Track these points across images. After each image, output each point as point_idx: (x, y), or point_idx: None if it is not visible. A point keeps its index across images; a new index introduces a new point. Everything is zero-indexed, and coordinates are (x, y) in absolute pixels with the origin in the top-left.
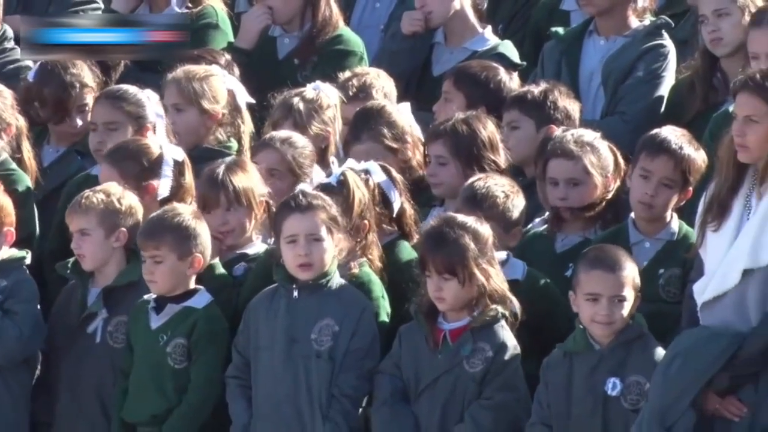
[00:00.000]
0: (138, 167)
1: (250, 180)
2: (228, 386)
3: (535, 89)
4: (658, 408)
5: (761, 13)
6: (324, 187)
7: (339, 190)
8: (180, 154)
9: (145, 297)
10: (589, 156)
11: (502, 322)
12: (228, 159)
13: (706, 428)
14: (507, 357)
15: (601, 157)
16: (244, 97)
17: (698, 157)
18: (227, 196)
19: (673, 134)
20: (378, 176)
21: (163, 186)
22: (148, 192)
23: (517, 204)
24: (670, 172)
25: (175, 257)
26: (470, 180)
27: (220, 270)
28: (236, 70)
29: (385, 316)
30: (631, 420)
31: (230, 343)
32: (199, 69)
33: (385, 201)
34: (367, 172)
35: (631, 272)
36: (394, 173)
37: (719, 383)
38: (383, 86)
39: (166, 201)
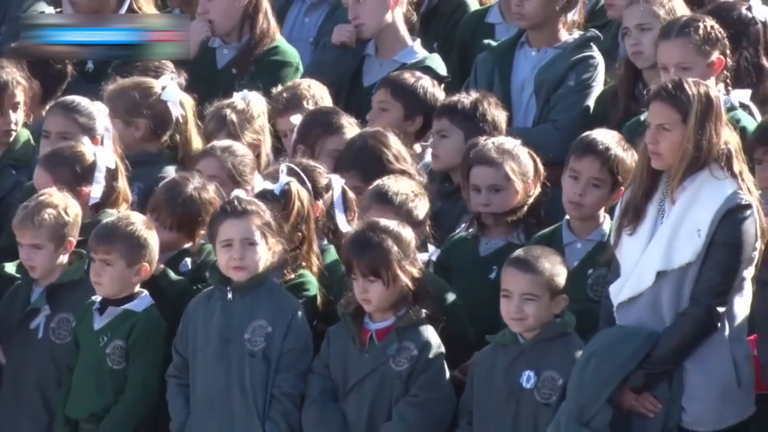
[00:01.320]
0: (71, 173)
1: (206, 207)
2: (168, 385)
3: (466, 100)
4: (576, 404)
5: (669, 26)
6: (265, 194)
7: (279, 199)
8: (113, 162)
9: (93, 298)
10: (509, 163)
11: (426, 321)
12: (196, 181)
13: (622, 424)
14: (432, 355)
15: (521, 164)
16: (177, 110)
17: (627, 157)
18: (173, 217)
19: (602, 135)
20: (337, 190)
21: (95, 192)
22: (80, 197)
23: (422, 205)
24: (597, 172)
25: (124, 264)
26: (379, 180)
27: (174, 276)
28: (182, 79)
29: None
30: (541, 412)
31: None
32: (130, 83)
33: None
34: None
35: (547, 273)
36: (350, 193)
37: (635, 380)
38: (314, 95)
39: (98, 206)
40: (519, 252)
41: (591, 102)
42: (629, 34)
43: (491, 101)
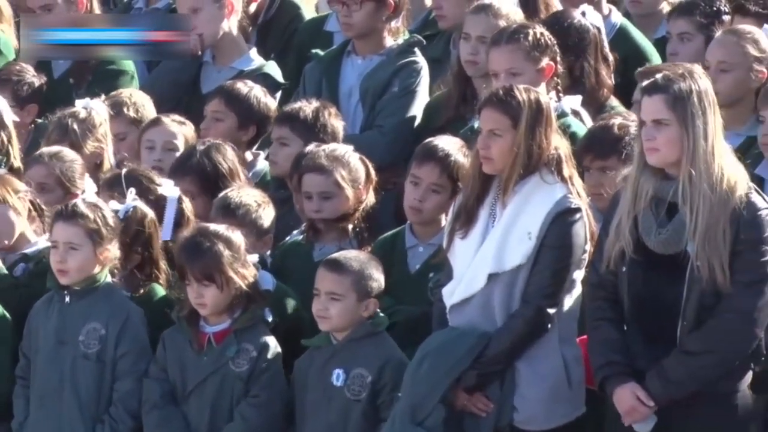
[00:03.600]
0: None
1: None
2: (16, 385)
3: (307, 108)
4: (410, 404)
5: (499, 33)
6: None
7: (125, 219)
8: None
9: None
10: (339, 170)
11: (262, 323)
12: None
13: (455, 423)
14: (270, 356)
15: (351, 170)
16: (9, 115)
17: (468, 163)
18: None
19: (444, 142)
20: (171, 204)
21: None
22: None
23: (267, 213)
24: (437, 178)
25: None
26: (224, 192)
27: (3, 271)
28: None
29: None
30: (352, 409)
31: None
32: None
33: None
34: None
35: (354, 275)
36: (186, 206)
37: (467, 380)
38: (135, 102)
39: None
40: (335, 254)
41: (416, 106)
42: (468, 41)
43: (331, 111)
